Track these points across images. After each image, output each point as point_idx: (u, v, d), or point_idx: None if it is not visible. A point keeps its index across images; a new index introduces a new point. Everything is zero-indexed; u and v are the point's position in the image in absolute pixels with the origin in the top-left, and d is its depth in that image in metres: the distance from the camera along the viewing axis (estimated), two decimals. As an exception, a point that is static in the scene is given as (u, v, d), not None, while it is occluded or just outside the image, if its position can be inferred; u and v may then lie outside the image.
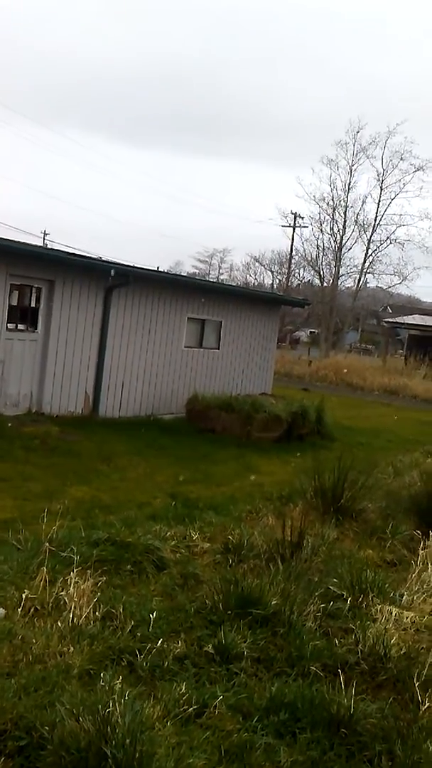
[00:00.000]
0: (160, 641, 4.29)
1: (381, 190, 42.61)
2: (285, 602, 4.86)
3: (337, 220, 43.08)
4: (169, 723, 3.54)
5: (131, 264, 14.98)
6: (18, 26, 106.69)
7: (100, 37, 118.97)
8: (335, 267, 43.90)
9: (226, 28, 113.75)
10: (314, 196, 44.40)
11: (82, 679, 3.87)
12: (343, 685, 3.96)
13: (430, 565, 6.10)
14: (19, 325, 12.26)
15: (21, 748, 3.29)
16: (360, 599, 5.29)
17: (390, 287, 46.63)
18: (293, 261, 52.28)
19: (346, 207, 42.79)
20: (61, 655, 4.04)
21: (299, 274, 53.01)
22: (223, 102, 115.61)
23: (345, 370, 30.56)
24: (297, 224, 50.23)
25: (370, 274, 44.66)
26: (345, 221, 42.97)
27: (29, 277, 12.23)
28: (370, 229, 42.96)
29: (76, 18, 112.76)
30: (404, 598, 5.52)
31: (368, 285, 47.19)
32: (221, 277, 69.65)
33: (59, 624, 4.35)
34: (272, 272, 59.65)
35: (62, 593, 4.66)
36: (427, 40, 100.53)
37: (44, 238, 58.07)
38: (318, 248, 44.24)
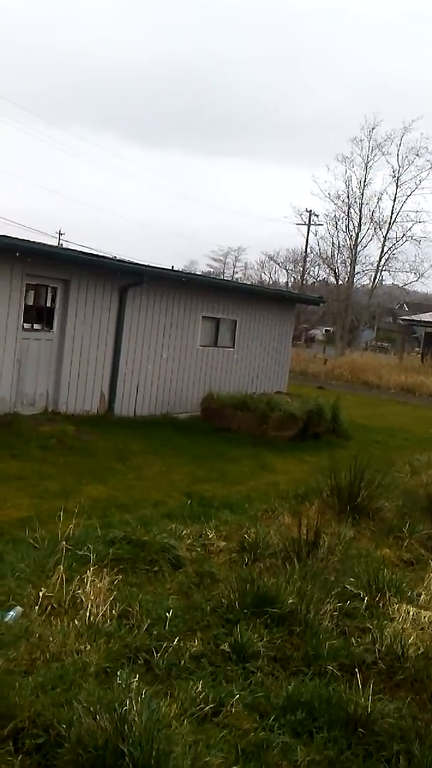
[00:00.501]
0: (176, 640, 4.30)
1: (396, 186, 42.38)
2: (301, 601, 4.84)
3: (352, 218, 42.93)
4: (185, 721, 3.54)
5: (146, 263, 15.02)
6: (32, 28, 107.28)
7: (112, 38, 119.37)
8: (351, 265, 43.73)
9: (240, 26, 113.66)
10: (329, 194, 44.14)
11: (99, 677, 3.88)
12: (360, 685, 3.95)
13: (447, 564, 6.06)
14: (35, 325, 12.32)
15: (39, 745, 3.30)
16: (377, 598, 5.27)
17: (406, 285, 46.34)
18: (308, 259, 52.15)
19: (362, 204, 42.62)
20: (78, 653, 4.05)
21: (314, 272, 52.87)
22: (238, 100, 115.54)
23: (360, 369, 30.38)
24: (312, 222, 50.10)
25: (385, 272, 44.43)
26: (360, 218, 42.80)
27: (45, 276, 12.29)
28: (386, 227, 42.74)
29: (88, 19, 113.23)
30: (422, 597, 5.48)
31: (384, 282, 46.95)
32: (236, 275, 69.66)
33: (76, 622, 4.36)
34: (287, 270, 59.55)
35: (79, 591, 4.68)
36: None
37: (59, 238, 58.45)
38: (333, 246, 44.10)
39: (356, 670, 4.19)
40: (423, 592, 5.55)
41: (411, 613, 5.05)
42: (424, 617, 5.07)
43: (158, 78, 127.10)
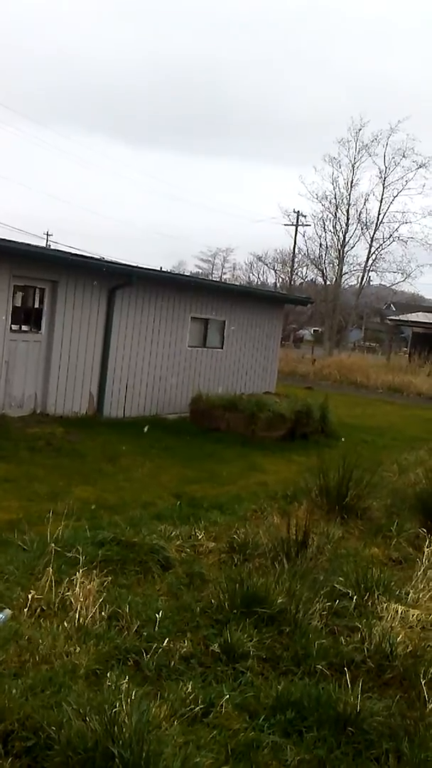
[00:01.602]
0: (166, 641, 4.30)
1: (383, 187, 42.65)
2: (291, 601, 4.86)
3: (339, 219, 43.12)
4: (175, 722, 3.54)
5: (134, 264, 15.01)
6: (19, 27, 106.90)
7: (98, 37, 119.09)
8: (338, 265, 43.90)
9: (227, 28, 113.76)
10: (317, 195, 44.35)
11: (88, 679, 3.87)
12: (349, 684, 3.96)
13: (435, 563, 6.10)
14: (23, 326, 12.28)
15: (28, 748, 3.29)
16: (366, 597, 5.29)
17: (393, 285, 46.65)
18: (296, 260, 52.30)
19: (349, 205, 42.84)
20: (68, 655, 4.05)
21: (302, 272, 53.03)
22: (225, 101, 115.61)
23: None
24: (300, 223, 50.24)
25: (373, 272, 44.72)
26: (348, 219, 43.01)
27: (33, 278, 12.25)
28: (373, 227, 43.01)
29: (75, 19, 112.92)
30: (410, 595, 5.51)
31: (371, 283, 47.23)
32: (224, 276, 69.70)
33: (65, 624, 4.36)
34: (275, 271, 59.65)
35: (68, 593, 4.67)
36: (429, 36, 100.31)
37: (47, 239, 58.24)
38: (321, 246, 44.29)
39: (345, 669, 4.20)
40: (411, 591, 5.58)
41: (399, 612, 5.08)
42: (413, 616, 5.09)
43: (145, 78, 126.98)
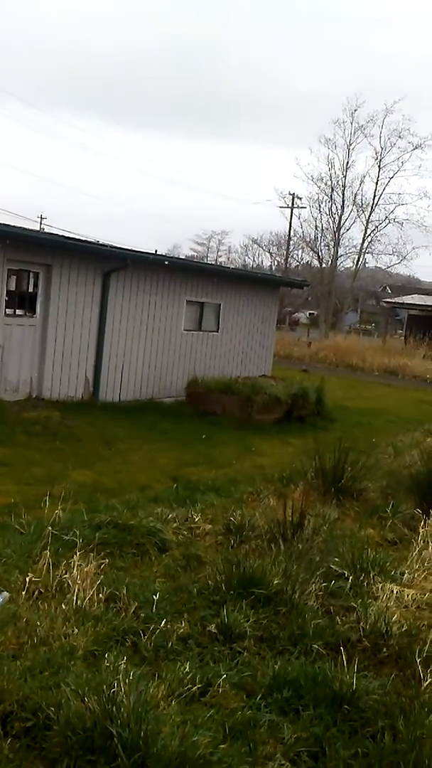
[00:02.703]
0: (163, 622, 4.33)
1: (379, 169, 42.28)
2: (287, 582, 4.89)
3: (335, 201, 42.83)
4: (173, 702, 3.58)
5: (129, 247, 14.93)
6: (13, 8, 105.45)
7: (93, 19, 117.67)
8: (334, 248, 43.69)
9: (222, 7, 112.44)
10: (312, 177, 43.99)
11: (86, 660, 3.90)
12: (345, 663, 4.00)
13: (430, 544, 6.14)
14: (17, 311, 12.23)
15: (27, 729, 3.32)
16: (361, 578, 5.33)
17: (389, 267, 46.44)
18: (292, 242, 52.07)
19: (344, 187, 42.49)
20: (66, 637, 4.07)
21: (298, 255, 52.85)
22: (220, 83, 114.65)
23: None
24: (295, 205, 49.95)
25: (369, 255, 44.44)
26: (343, 201, 42.70)
27: (27, 261, 12.18)
28: (369, 209, 42.70)
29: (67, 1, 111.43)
30: (405, 576, 5.55)
31: (367, 265, 46.98)
32: (219, 259, 69.37)
33: (63, 606, 4.38)
34: (271, 254, 59.48)
35: (66, 576, 4.69)
36: (426, 15, 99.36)
37: (41, 223, 57.90)
38: (316, 229, 44.02)
39: (341, 648, 4.24)
40: (406, 571, 5.62)
41: (395, 592, 5.12)
42: (408, 595, 5.14)
43: (141, 60, 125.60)
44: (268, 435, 12.49)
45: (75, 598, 4.46)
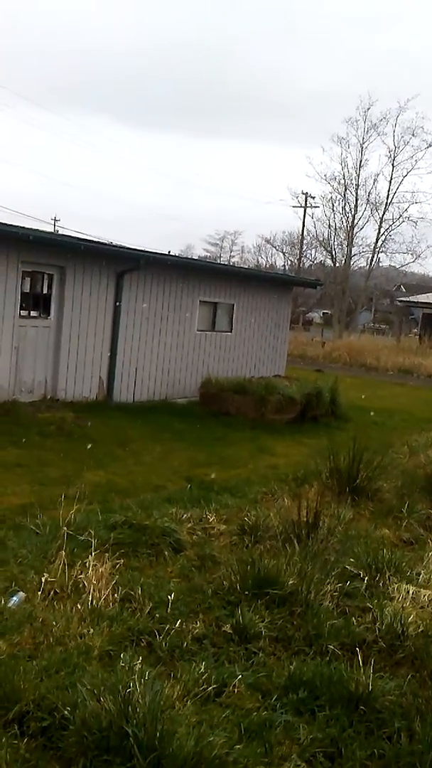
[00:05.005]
0: (178, 622, 4.33)
1: (393, 167, 42.08)
2: (302, 582, 4.88)
3: (348, 200, 42.67)
4: (189, 702, 3.58)
5: (142, 248, 14.96)
6: (21, 9, 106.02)
7: (105, 19, 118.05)
8: (347, 247, 43.53)
9: (234, 6, 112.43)
10: (325, 176, 44.05)
11: (102, 660, 3.91)
12: (361, 663, 3.98)
13: (446, 544, 6.10)
14: (32, 312, 12.30)
15: (44, 728, 3.34)
16: (377, 578, 5.31)
17: (403, 266, 46.22)
18: (305, 242, 51.97)
19: (358, 186, 42.34)
20: (82, 637, 4.09)
21: (311, 254, 52.71)
22: (232, 83, 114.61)
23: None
24: (308, 204, 49.88)
25: (382, 254, 44.26)
26: (357, 200, 42.54)
27: (41, 263, 12.24)
28: (382, 208, 42.51)
29: (80, 1, 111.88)
30: (421, 576, 5.52)
31: (381, 264, 46.82)
32: (232, 259, 69.39)
33: (79, 606, 4.40)
34: (284, 254, 59.33)
35: (81, 576, 4.71)
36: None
37: (55, 224, 58.12)
38: (330, 228, 43.87)
39: (357, 649, 4.22)
40: (422, 571, 5.59)
41: (411, 592, 5.09)
42: (424, 596, 5.11)
43: (152, 61, 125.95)
44: (281, 435, 12.46)
45: (90, 598, 4.48)
